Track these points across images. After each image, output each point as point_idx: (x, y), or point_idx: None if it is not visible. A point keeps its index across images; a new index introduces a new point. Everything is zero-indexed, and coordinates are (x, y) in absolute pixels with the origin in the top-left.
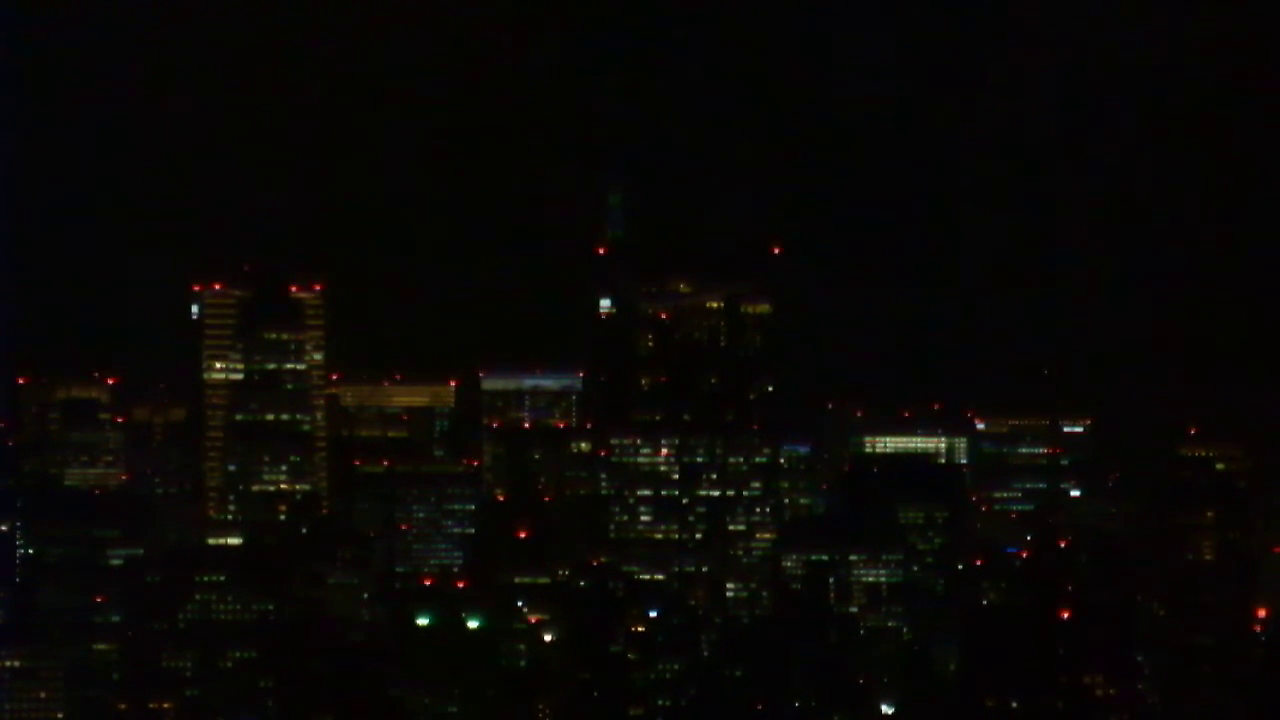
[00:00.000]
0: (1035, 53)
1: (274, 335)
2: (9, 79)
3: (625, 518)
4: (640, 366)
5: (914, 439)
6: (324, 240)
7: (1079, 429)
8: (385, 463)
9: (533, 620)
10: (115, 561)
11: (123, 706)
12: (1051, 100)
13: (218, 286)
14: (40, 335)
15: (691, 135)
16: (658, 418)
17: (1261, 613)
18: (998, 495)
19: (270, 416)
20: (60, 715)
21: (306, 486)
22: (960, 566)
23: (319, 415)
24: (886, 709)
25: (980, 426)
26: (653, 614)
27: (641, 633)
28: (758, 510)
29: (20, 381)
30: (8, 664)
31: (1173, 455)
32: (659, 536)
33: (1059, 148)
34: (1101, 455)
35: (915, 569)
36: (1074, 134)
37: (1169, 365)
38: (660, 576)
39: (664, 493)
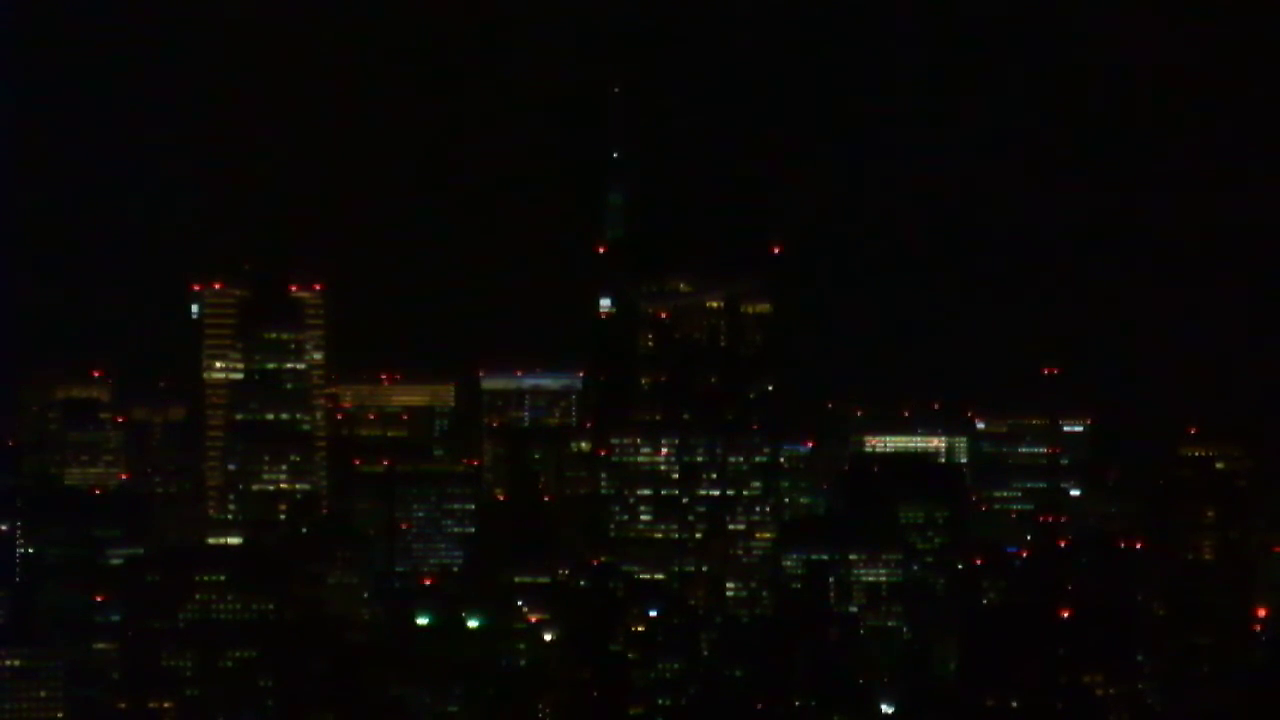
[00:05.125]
0: (1034, 54)
1: (274, 335)
2: (10, 80)
3: (625, 518)
4: (640, 366)
5: (914, 439)
6: (324, 240)
7: (1079, 429)
8: (385, 463)
9: (532, 620)
10: (115, 561)
11: (123, 706)
12: (1050, 99)
13: (218, 286)
14: (40, 335)
15: (692, 135)
16: (658, 418)
17: (1261, 613)
18: (998, 495)
19: (270, 416)
20: (60, 715)
21: (306, 486)
22: (960, 566)
23: (319, 415)
24: (886, 709)
25: (980, 426)
26: (653, 614)
27: (641, 633)
28: (758, 510)
29: (20, 381)
30: (8, 664)
31: (1173, 455)
32: (659, 536)
33: (1058, 146)
34: (1101, 455)
35: (915, 569)
36: (1073, 133)
37: (1169, 365)
38: (660, 576)
39: (664, 492)
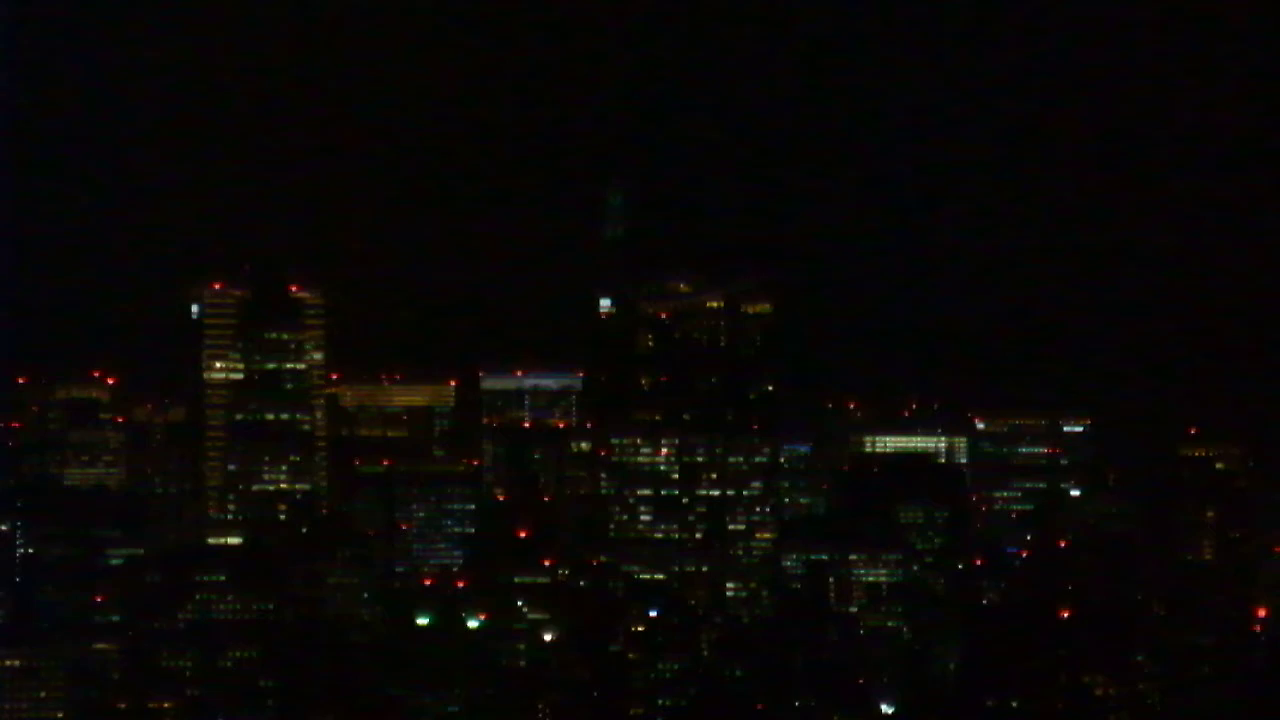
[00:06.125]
0: (1026, 51)
1: (274, 335)
2: (9, 78)
3: (625, 517)
4: (640, 366)
5: (914, 439)
6: (324, 240)
7: (1079, 429)
8: (385, 463)
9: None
10: (115, 561)
11: (123, 706)
12: (1047, 98)
13: (218, 286)
14: (40, 335)
15: (692, 135)
16: (658, 418)
17: (1261, 613)
18: (998, 495)
19: (270, 416)
20: (60, 715)
21: (306, 486)
22: (960, 566)
23: (319, 415)
24: (886, 709)
25: (980, 426)
26: (653, 614)
27: (641, 633)
28: (758, 510)
29: (20, 381)
30: (8, 664)
31: (1173, 455)
32: (659, 536)
33: (1058, 146)
34: (1101, 455)
35: (915, 569)
36: (1072, 132)
37: (1169, 365)
38: (660, 576)
39: (664, 493)
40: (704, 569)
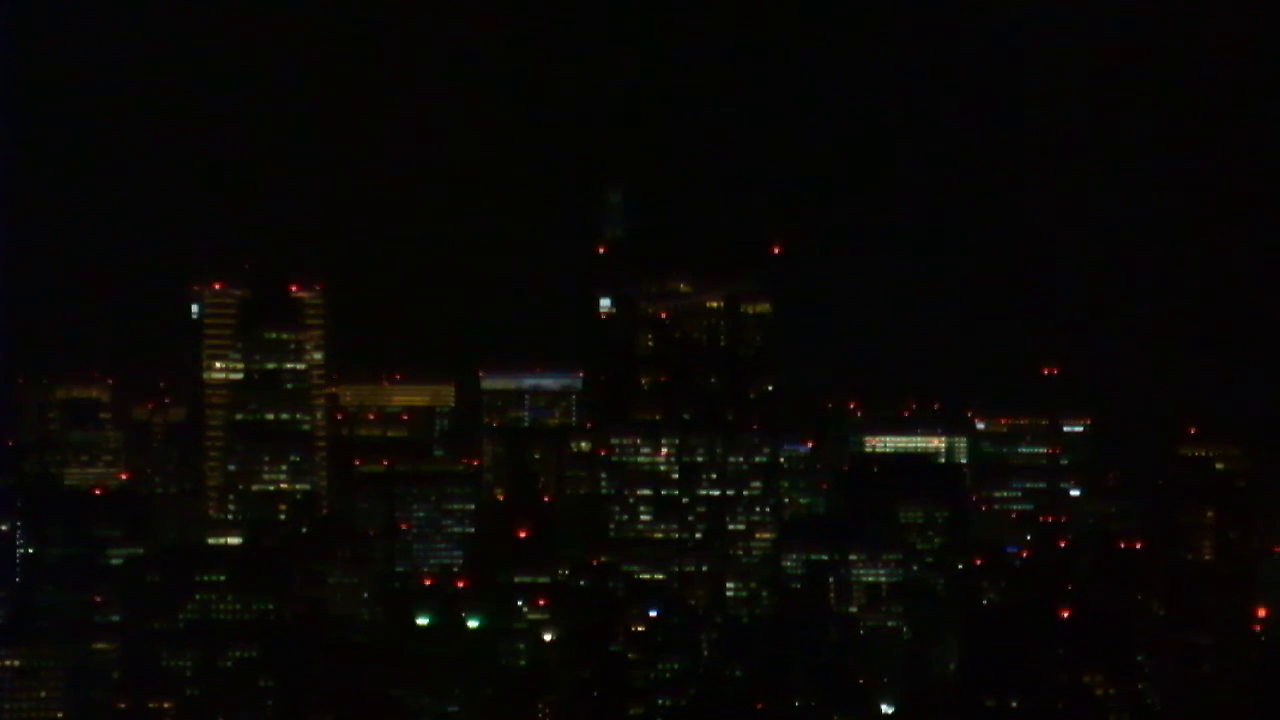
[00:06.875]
0: (1032, 57)
1: (274, 335)
2: (9, 79)
3: (625, 517)
4: (640, 366)
5: (914, 439)
6: (324, 240)
7: (1079, 429)
8: (385, 463)
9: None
10: (115, 561)
11: (123, 706)
12: (1051, 101)
13: (218, 286)
14: (40, 335)
15: (692, 136)
16: (658, 418)
17: (1261, 613)
18: (998, 495)
19: (270, 416)
20: (60, 715)
21: (306, 486)
22: (960, 566)
23: (319, 415)
24: (886, 709)
25: (980, 426)
26: (653, 614)
27: (641, 633)
28: (758, 510)
29: (20, 381)
30: (8, 664)
31: (1173, 455)
32: (659, 536)
33: (1060, 148)
34: (1101, 455)
35: (915, 569)
36: (1075, 134)
37: (1169, 365)
38: (660, 576)
39: (664, 492)
40: (704, 569)
